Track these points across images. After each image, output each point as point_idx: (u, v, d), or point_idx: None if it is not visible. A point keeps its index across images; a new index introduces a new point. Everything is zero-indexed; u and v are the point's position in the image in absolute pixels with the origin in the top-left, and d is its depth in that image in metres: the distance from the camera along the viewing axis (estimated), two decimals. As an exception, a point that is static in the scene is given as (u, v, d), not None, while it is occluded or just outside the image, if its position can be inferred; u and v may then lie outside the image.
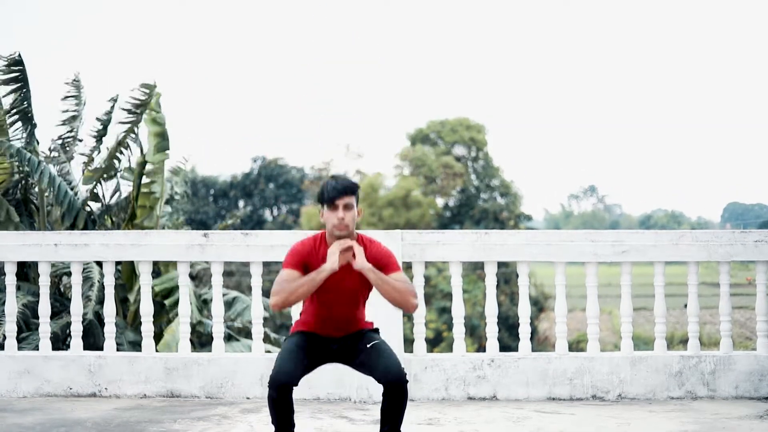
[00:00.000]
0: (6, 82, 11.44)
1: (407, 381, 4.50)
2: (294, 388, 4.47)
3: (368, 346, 4.64)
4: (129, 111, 11.87)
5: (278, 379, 4.43)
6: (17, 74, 11.47)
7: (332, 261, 4.48)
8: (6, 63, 11.40)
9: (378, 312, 5.33)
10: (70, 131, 12.16)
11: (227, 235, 6.60)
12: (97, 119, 12.28)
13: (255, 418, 5.75)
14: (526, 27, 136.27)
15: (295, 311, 6.33)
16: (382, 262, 4.63)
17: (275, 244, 6.48)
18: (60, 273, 10.80)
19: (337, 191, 4.57)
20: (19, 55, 11.42)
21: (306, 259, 4.63)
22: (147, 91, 11.69)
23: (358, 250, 4.53)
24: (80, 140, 12.26)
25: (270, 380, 4.45)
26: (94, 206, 12.17)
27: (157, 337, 10.26)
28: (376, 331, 4.81)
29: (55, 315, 10.78)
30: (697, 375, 6.38)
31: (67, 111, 12.12)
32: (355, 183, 4.68)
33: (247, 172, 50.82)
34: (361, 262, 4.49)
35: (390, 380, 4.46)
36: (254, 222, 46.78)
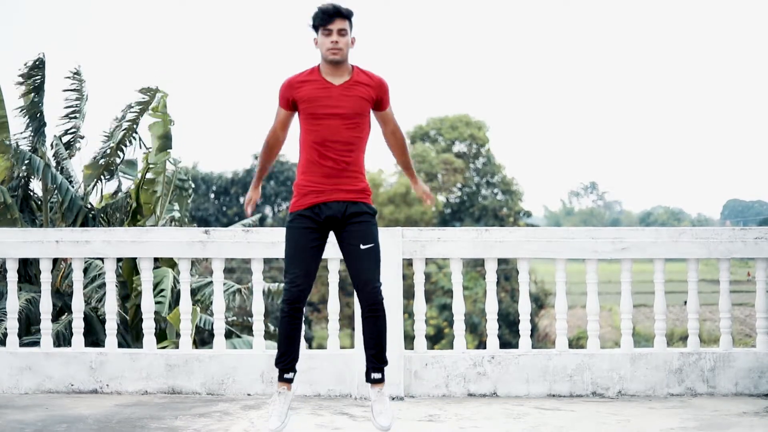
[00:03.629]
0: (27, 86, 11.52)
1: (382, 299, 4.71)
2: (307, 295, 4.77)
3: (361, 247, 4.73)
4: (133, 108, 11.93)
5: (293, 293, 4.74)
6: (37, 77, 11.56)
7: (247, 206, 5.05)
8: (29, 67, 11.50)
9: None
10: (72, 127, 12.19)
11: (228, 232, 6.61)
12: (110, 131, 12.29)
13: (256, 415, 5.76)
14: (527, 25, 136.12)
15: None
16: (383, 95, 4.80)
17: (276, 240, 6.48)
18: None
19: (331, 13, 4.58)
20: (43, 55, 11.51)
21: (294, 91, 4.73)
22: (150, 93, 11.76)
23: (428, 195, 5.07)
24: (82, 137, 12.29)
25: (284, 294, 4.73)
26: (96, 204, 12.21)
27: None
28: (374, 214, 4.87)
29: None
30: (697, 372, 6.39)
31: (68, 107, 12.14)
32: (349, 8, 4.69)
33: (248, 169, 50.81)
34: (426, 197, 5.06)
35: (364, 298, 4.75)
36: (256, 223, 46.72)
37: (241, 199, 49.71)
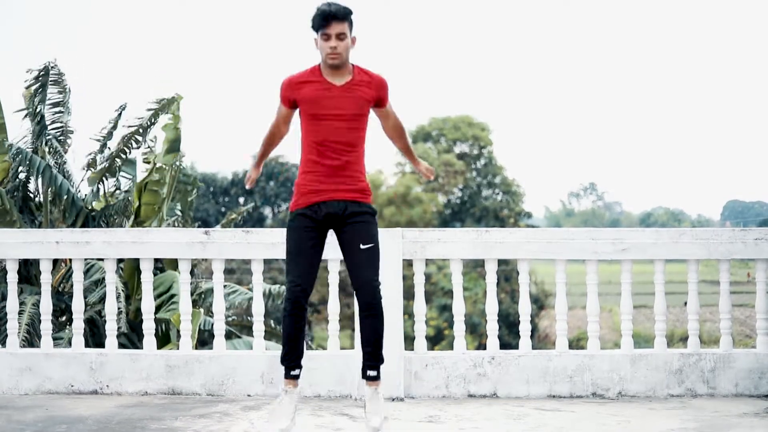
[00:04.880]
0: (34, 93, 11.56)
1: (380, 298, 4.76)
2: (309, 294, 4.82)
3: (361, 246, 4.77)
4: (141, 116, 11.96)
5: (294, 292, 4.78)
6: (42, 82, 11.59)
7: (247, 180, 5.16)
8: (35, 75, 11.54)
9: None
10: (59, 121, 12.18)
11: (228, 233, 6.61)
12: (106, 134, 12.29)
13: (256, 416, 5.76)
14: (528, 26, 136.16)
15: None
16: (383, 94, 4.85)
17: (276, 241, 6.49)
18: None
19: (329, 16, 4.57)
20: (50, 65, 11.58)
21: (294, 92, 4.76)
22: (167, 100, 11.80)
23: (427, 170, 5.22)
24: (72, 131, 12.28)
25: (286, 293, 4.78)
26: (96, 204, 12.20)
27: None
28: (374, 214, 4.92)
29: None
30: (697, 373, 6.39)
31: (51, 100, 12.14)
32: (348, 8, 4.66)
33: (248, 170, 50.80)
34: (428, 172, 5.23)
35: (362, 297, 4.78)
36: (255, 220, 46.79)
37: (241, 200, 49.76)
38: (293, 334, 4.84)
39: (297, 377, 4.98)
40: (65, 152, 12.20)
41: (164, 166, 11.74)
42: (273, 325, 14.08)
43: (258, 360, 6.48)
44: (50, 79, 12.07)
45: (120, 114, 12.29)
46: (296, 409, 5.02)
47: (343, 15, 4.60)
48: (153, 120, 11.99)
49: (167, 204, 12.07)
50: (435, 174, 5.08)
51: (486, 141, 43.23)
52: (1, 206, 10.91)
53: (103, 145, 12.34)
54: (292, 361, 4.94)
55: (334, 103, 4.66)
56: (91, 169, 12.22)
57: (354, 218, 4.82)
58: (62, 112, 12.16)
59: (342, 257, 5.02)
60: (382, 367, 5.03)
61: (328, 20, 4.56)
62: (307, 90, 4.71)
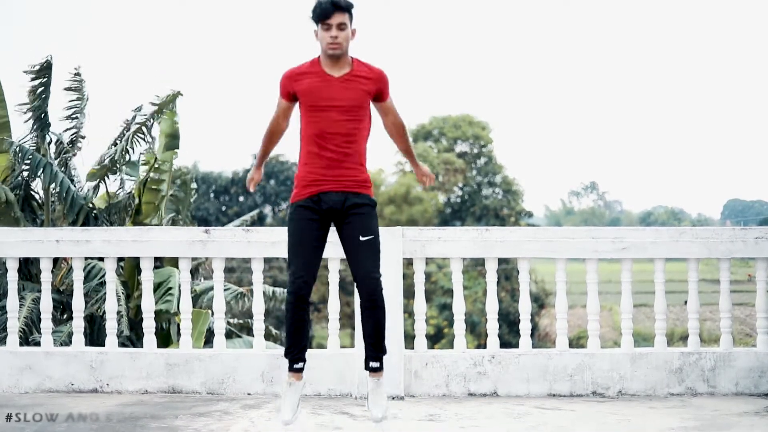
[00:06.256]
0: (34, 87, 11.54)
1: (381, 290, 4.75)
2: (312, 286, 4.80)
3: (361, 239, 4.77)
4: (143, 111, 11.96)
5: (296, 284, 4.75)
6: (44, 78, 11.58)
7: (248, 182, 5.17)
8: (38, 68, 11.52)
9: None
10: (73, 127, 12.19)
11: (228, 232, 6.61)
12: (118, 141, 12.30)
13: (256, 414, 5.76)
14: (528, 25, 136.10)
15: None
16: (383, 87, 4.84)
17: (276, 240, 6.49)
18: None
19: (330, 7, 4.60)
20: (51, 57, 11.55)
21: (294, 85, 4.78)
22: (170, 97, 11.81)
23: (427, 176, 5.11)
24: (83, 137, 12.29)
25: (288, 287, 4.78)
26: (97, 203, 12.21)
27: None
28: (374, 205, 4.93)
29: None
30: (697, 371, 6.39)
31: (70, 107, 12.15)
32: (349, 1, 4.69)
33: (248, 169, 50.82)
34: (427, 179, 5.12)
35: (363, 290, 4.78)
36: (254, 219, 46.84)
37: (241, 199, 49.77)
38: (297, 326, 4.83)
39: (301, 370, 4.99)
40: (74, 156, 12.22)
41: (165, 162, 11.75)
42: (273, 331, 14.11)
43: (258, 359, 6.48)
44: (74, 84, 12.08)
45: (135, 116, 12.29)
46: (300, 402, 5.05)
47: (344, 5, 4.63)
48: (153, 119, 11.99)
49: (166, 202, 12.08)
50: (434, 182, 5.07)
51: (486, 140, 43.29)
52: (4, 201, 10.91)
53: (112, 145, 12.36)
54: (296, 354, 4.94)
55: (332, 94, 4.68)
56: (94, 167, 12.23)
57: (354, 210, 4.83)
58: (77, 117, 12.17)
59: (342, 255, 5.04)
60: (384, 359, 5.05)
61: (330, 11, 4.59)
62: (306, 81, 4.74)
